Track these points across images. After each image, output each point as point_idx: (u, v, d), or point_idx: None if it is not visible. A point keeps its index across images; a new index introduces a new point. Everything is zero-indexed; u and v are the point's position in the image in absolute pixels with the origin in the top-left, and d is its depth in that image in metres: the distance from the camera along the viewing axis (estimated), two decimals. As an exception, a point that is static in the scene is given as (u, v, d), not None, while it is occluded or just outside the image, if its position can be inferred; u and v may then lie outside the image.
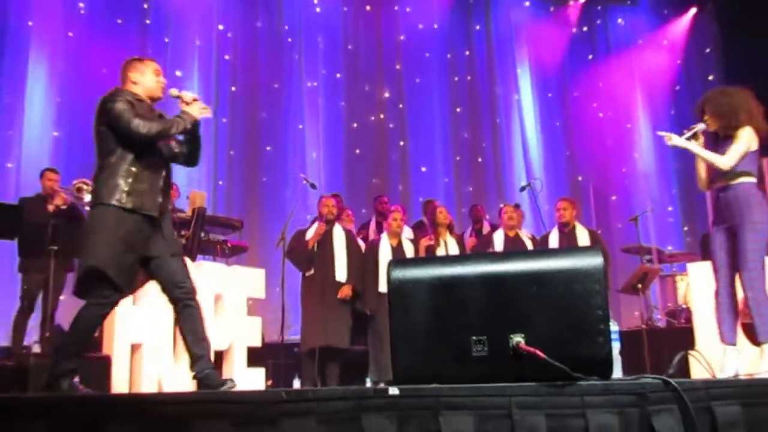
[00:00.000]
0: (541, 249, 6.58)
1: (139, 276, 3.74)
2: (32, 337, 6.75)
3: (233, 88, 10.44)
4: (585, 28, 12.02)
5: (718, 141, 4.47)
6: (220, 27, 10.52)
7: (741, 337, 4.59)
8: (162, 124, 3.69)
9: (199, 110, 3.81)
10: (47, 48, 9.48)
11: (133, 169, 3.65)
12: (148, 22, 10.14)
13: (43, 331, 6.41)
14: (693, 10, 11.96)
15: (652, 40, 12.10)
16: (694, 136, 4.51)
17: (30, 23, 9.45)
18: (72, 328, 3.57)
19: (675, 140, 4.53)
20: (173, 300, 3.73)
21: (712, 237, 4.43)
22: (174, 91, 3.95)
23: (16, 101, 9.17)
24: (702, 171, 4.56)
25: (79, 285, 3.61)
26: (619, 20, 12.27)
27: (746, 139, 4.29)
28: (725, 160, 4.24)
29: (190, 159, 4.01)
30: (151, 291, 4.38)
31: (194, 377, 3.70)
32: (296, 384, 6.23)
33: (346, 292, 6.43)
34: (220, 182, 10.04)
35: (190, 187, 8.12)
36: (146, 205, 3.63)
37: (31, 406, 2.17)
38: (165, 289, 3.73)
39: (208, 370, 3.69)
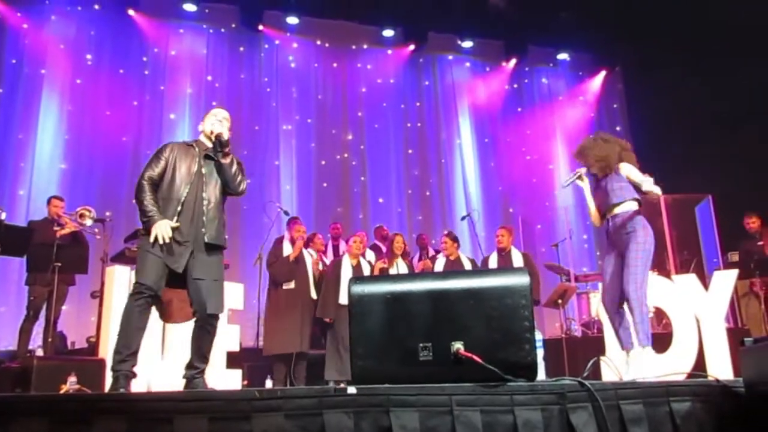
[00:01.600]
0: (478, 269, 6.61)
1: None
2: (36, 342, 6.53)
3: (219, 130, 10.33)
4: (515, 85, 12.22)
5: (599, 180, 4.46)
6: (209, 78, 10.45)
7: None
8: (146, 199, 3.58)
9: (159, 232, 3.48)
10: (57, 92, 9.33)
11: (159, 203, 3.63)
12: (146, 72, 10.03)
13: (45, 336, 6.23)
14: (603, 73, 12.29)
15: (570, 96, 12.39)
16: (579, 178, 4.51)
17: (42, 71, 9.30)
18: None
19: (564, 183, 4.65)
20: (195, 316, 3.63)
21: (605, 261, 4.34)
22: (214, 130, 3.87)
23: (28, 137, 8.99)
24: (593, 208, 4.50)
25: None
26: (543, 79, 12.52)
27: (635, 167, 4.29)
28: (649, 180, 4.11)
29: (231, 187, 3.85)
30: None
31: (184, 377, 3.64)
32: (269, 384, 6.11)
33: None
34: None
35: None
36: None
37: (33, 404, 2.08)
38: (191, 304, 3.61)
39: (198, 377, 3.62)
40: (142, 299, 3.44)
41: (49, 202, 6.71)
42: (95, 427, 2.03)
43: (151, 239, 3.46)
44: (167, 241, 3.48)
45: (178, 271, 3.51)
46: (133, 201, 3.68)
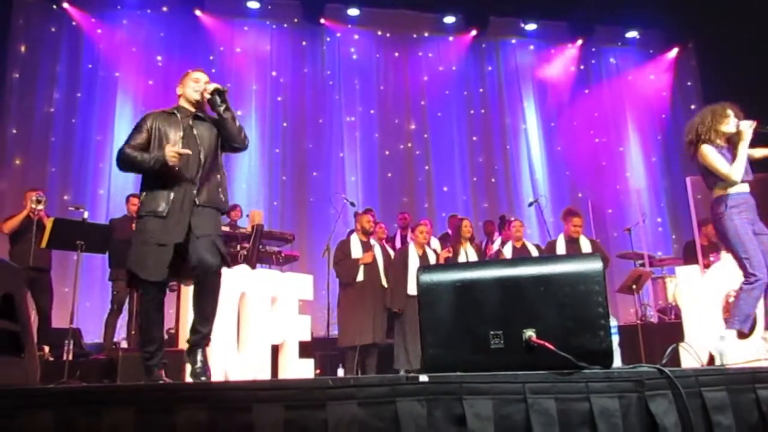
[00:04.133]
0: (549, 255, 6.48)
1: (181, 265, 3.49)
2: (120, 335, 6.84)
3: (285, 124, 10.54)
4: (582, 67, 11.89)
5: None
6: (274, 73, 10.65)
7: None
8: (137, 156, 3.49)
9: (169, 154, 3.41)
10: (131, 94, 9.72)
11: (145, 183, 3.56)
12: (213, 70, 10.28)
13: (129, 329, 6.50)
14: (675, 50, 11.79)
15: (641, 75, 11.95)
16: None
17: (117, 74, 9.70)
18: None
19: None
20: (195, 274, 3.47)
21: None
22: (209, 87, 3.71)
23: (106, 138, 9.40)
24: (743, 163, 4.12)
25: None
26: (612, 59, 12.13)
27: None
28: None
29: (230, 144, 3.72)
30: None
31: (187, 342, 3.56)
32: (340, 373, 6.20)
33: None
34: (275, 203, 10.12)
35: (250, 207, 8.22)
36: (157, 208, 3.44)
37: (120, 394, 2.18)
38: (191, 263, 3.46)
39: (200, 344, 3.51)
40: (152, 295, 3.47)
41: (127, 200, 6.99)
42: (178, 415, 2.10)
43: (171, 162, 3.40)
44: (184, 151, 3.44)
45: (180, 240, 3.41)
46: (122, 167, 3.59)
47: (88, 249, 6.07)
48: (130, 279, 3.57)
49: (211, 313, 3.54)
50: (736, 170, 4.03)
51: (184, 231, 3.43)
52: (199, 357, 3.51)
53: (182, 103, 3.79)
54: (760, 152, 4.18)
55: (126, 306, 6.62)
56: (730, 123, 4.13)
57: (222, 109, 3.66)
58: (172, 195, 3.46)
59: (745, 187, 4.07)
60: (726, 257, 6.61)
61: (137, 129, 3.62)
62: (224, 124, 3.66)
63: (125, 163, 3.55)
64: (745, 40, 9.30)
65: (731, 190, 4.06)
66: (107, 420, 2.06)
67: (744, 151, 4.06)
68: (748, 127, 4.09)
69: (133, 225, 6.48)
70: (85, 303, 7.89)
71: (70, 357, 5.47)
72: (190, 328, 3.58)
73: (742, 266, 3.99)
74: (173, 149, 3.43)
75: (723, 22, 9.85)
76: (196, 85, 3.75)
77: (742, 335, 3.97)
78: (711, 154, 4.10)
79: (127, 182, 9.07)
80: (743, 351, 4.51)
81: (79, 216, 5.95)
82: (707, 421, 2.35)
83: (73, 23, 9.62)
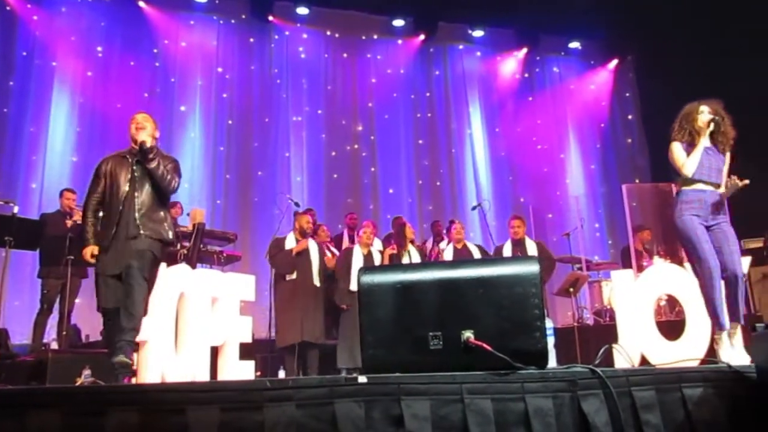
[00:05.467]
0: (488, 258, 6.60)
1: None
2: (50, 335, 6.59)
3: (230, 122, 10.37)
4: (526, 75, 12.14)
5: (711, 151, 4.19)
6: (220, 69, 10.46)
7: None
8: (87, 227, 4.22)
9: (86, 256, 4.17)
10: (68, 84, 9.37)
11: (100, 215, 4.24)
12: (157, 64, 10.06)
13: (60, 329, 6.27)
14: (615, 61, 12.19)
15: (582, 85, 12.30)
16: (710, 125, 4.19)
17: (54, 63, 9.33)
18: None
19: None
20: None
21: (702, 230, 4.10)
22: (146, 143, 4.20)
23: (40, 130, 9.05)
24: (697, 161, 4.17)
25: None
26: (555, 68, 12.43)
27: None
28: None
29: (158, 188, 4.27)
30: (154, 300, 4.35)
31: (114, 342, 3.97)
32: (281, 374, 6.14)
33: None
34: (218, 201, 9.94)
35: (192, 205, 8.04)
36: (103, 240, 4.14)
37: (46, 397, 2.09)
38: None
39: (123, 341, 3.92)
40: (108, 320, 4.10)
41: (61, 194, 6.75)
42: (108, 418, 2.04)
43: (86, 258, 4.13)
44: (92, 260, 4.14)
45: (121, 271, 4.04)
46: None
47: (18, 245, 5.84)
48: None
49: (132, 305, 4.00)
50: (688, 163, 4.09)
51: (125, 262, 4.02)
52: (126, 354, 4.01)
53: (133, 143, 4.29)
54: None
55: (57, 305, 6.38)
56: (701, 118, 4.17)
57: (150, 166, 4.17)
58: (113, 230, 4.08)
59: (704, 186, 4.11)
60: (658, 262, 6.89)
61: (95, 177, 4.27)
62: (151, 173, 4.20)
63: (83, 216, 4.30)
64: (681, 55, 9.70)
65: (685, 187, 4.13)
66: (32, 424, 1.98)
67: (700, 146, 4.12)
68: (705, 125, 4.15)
69: (67, 220, 6.33)
70: (13, 302, 7.56)
71: (-4, 358, 5.24)
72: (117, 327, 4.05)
73: (691, 259, 4.10)
74: (88, 253, 4.12)
75: (661, 38, 10.26)
76: (133, 126, 4.28)
77: (733, 328, 4.00)
78: (674, 150, 4.20)
79: (62, 176, 8.77)
80: (673, 352, 4.70)
81: (9, 211, 5.71)
82: (636, 420, 2.43)
83: (8, 8, 9.19)
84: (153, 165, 4.17)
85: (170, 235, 4.30)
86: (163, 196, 4.29)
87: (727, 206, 4.16)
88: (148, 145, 4.16)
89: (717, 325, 4.00)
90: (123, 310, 3.93)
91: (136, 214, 4.11)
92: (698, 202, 4.07)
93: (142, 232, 4.10)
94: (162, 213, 4.27)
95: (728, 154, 4.22)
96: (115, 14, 9.86)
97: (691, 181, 4.11)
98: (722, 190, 4.13)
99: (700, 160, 4.09)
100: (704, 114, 4.18)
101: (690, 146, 4.18)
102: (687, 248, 4.12)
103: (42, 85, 9.19)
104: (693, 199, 4.07)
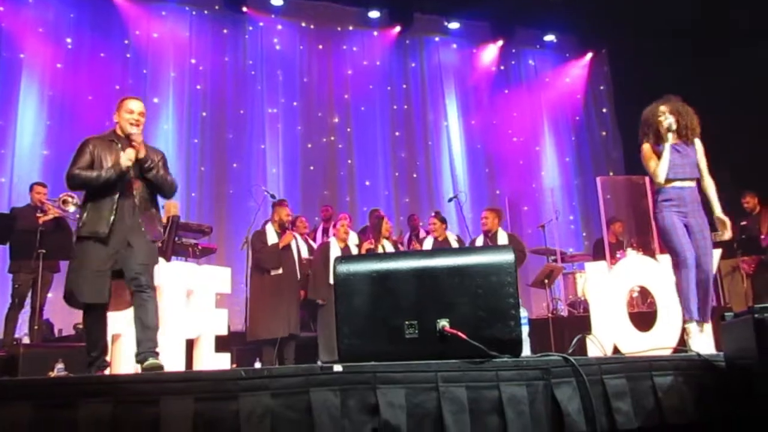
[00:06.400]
0: (463, 247, 6.64)
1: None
2: (22, 330, 6.49)
3: (204, 113, 10.26)
4: (502, 67, 12.19)
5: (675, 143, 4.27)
6: (193, 61, 10.33)
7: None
8: (89, 174, 3.69)
9: (126, 159, 3.71)
10: (37, 77, 9.18)
11: (88, 204, 3.73)
12: (128, 55, 9.90)
13: (32, 324, 6.18)
14: (589, 54, 12.30)
15: (557, 78, 12.39)
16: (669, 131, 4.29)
17: (21, 56, 9.14)
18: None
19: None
20: (131, 291, 3.67)
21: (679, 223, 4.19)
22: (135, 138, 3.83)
23: (8, 123, 8.86)
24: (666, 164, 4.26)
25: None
26: (530, 61, 12.51)
27: None
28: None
29: (160, 192, 3.98)
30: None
31: (136, 358, 3.63)
32: (257, 366, 6.12)
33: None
34: (193, 194, 9.84)
35: (165, 199, 7.95)
36: (99, 229, 3.64)
37: (17, 389, 2.07)
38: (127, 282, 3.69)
39: (148, 354, 3.60)
40: (91, 314, 3.72)
41: (31, 188, 6.64)
42: (81, 410, 2.03)
43: (126, 165, 3.67)
44: (141, 155, 3.73)
45: (118, 267, 3.66)
46: (71, 194, 3.84)
47: (-13, 239, 5.75)
48: (68, 298, 3.72)
49: (153, 325, 3.68)
50: (659, 171, 4.19)
51: (125, 263, 3.64)
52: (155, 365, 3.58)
53: (119, 130, 3.91)
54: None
55: (28, 300, 6.28)
56: (664, 120, 4.26)
57: (149, 174, 3.83)
58: (112, 218, 3.66)
59: (681, 184, 4.20)
60: (632, 254, 6.99)
61: (80, 152, 3.78)
62: (152, 180, 3.86)
63: (77, 182, 3.74)
64: (655, 50, 9.83)
65: (663, 186, 4.22)
66: (2, 416, 1.96)
67: (666, 150, 4.21)
68: (665, 131, 4.25)
69: (38, 215, 6.22)
70: (-18, 297, 7.43)
71: (-35, 354, 5.15)
72: (136, 342, 3.68)
73: (670, 251, 4.18)
74: (129, 154, 3.67)
75: (634, 32, 10.38)
76: (130, 117, 3.90)
77: (700, 324, 4.09)
78: (644, 154, 4.31)
79: (32, 170, 8.60)
80: (644, 342, 4.78)
81: (-22, 204, 5.60)
82: (608, 407, 2.48)
83: (-28, -1, 9.00)
84: (151, 174, 3.83)
85: (161, 233, 4.00)
86: (159, 194, 3.96)
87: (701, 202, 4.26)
88: (142, 155, 3.79)
89: (688, 315, 4.09)
90: (139, 324, 3.63)
91: (135, 210, 3.75)
92: (677, 198, 4.17)
93: (143, 229, 3.73)
94: (154, 209, 3.94)
95: (698, 142, 4.31)
96: (84, 5, 9.67)
97: (668, 180, 4.20)
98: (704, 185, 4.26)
99: (671, 162, 4.19)
100: (664, 115, 4.28)
101: (659, 146, 4.28)
102: (665, 242, 4.23)
103: (9, 78, 8.99)
104: (672, 197, 4.18)
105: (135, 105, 3.93)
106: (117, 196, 3.70)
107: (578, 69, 12.40)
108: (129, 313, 4.52)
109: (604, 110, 12.24)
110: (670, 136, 4.24)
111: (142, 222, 3.75)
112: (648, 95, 4.56)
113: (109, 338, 4.22)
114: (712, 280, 4.22)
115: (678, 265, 4.08)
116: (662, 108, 4.31)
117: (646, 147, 4.30)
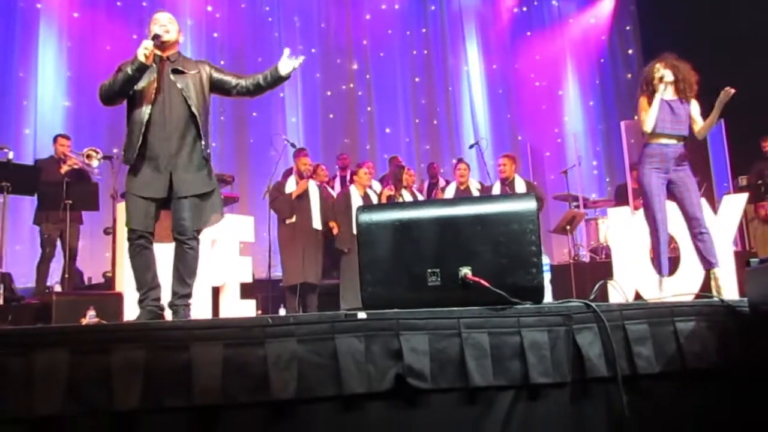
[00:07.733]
0: (485, 195, 6.63)
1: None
2: (54, 278, 6.67)
3: (222, 62, 10.16)
4: (524, 8, 11.88)
5: (671, 100, 4.33)
6: (209, 8, 10.21)
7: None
8: (111, 78, 3.43)
9: (142, 48, 3.34)
10: (55, 27, 9.15)
11: (127, 129, 3.49)
12: (144, 4, 9.79)
13: (63, 272, 6.34)
14: (616, -8, 11.90)
15: (581, 19, 12.03)
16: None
17: (39, 5, 9.09)
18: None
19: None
20: (174, 239, 3.49)
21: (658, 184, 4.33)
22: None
23: (29, 74, 8.89)
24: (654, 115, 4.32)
25: None
26: (554, 2, 12.15)
27: None
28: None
29: (252, 91, 3.94)
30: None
31: (168, 305, 3.49)
32: (282, 313, 6.26)
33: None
34: (214, 144, 9.83)
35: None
36: (129, 157, 3.41)
37: (54, 336, 2.14)
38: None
39: (179, 305, 3.45)
40: (136, 243, 3.43)
41: (55, 140, 6.69)
42: (114, 355, 2.10)
43: (143, 59, 3.32)
44: (151, 48, 3.36)
45: (162, 195, 3.42)
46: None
47: (15, 191, 5.85)
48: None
49: (189, 275, 3.48)
50: (647, 120, 4.25)
51: (166, 187, 3.41)
52: (183, 316, 3.45)
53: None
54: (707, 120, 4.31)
55: (59, 249, 6.43)
56: (657, 73, 4.33)
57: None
58: (156, 149, 3.41)
59: (667, 141, 4.28)
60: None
61: (114, 72, 3.49)
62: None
63: (105, 92, 3.48)
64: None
65: (649, 141, 4.32)
66: (40, 361, 2.04)
67: (656, 101, 4.26)
68: (659, 80, 4.30)
69: (61, 166, 6.30)
70: (14, 246, 7.62)
71: (1, 301, 5.32)
72: (171, 290, 3.49)
73: (644, 209, 4.39)
74: (144, 44, 3.34)
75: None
76: (158, 28, 3.53)
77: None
78: (640, 104, 4.38)
79: (54, 122, 8.67)
80: (667, 288, 4.79)
81: (3, 156, 5.68)
82: (629, 352, 2.50)
83: (-12, -52, 8.91)
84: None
85: (209, 155, 3.58)
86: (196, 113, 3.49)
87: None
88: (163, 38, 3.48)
89: (657, 271, 4.37)
90: (176, 275, 3.45)
91: (174, 134, 3.42)
92: (660, 155, 4.28)
93: (181, 153, 3.43)
94: (194, 134, 3.51)
95: (693, 101, 4.37)
96: (100, -49, 9.55)
97: (655, 135, 4.28)
98: (700, 129, 4.34)
99: (660, 115, 4.25)
100: (659, 70, 4.33)
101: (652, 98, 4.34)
102: (642, 198, 4.39)
103: (28, 29, 8.96)
104: (655, 153, 4.28)
105: (161, 15, 3.62)
106: (147, 118, 3.41)
107: (604, 8, 12.00)
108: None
109: (630, 51, 11.89)
110: (662, 88, 4.29)
111: (182, 150, 3.46)
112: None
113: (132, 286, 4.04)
114: (706, 226, 4.33)
115: (650, 224, 4.32)
116: (658, 64, 4.38)
117: (642, 99, 4.38)
